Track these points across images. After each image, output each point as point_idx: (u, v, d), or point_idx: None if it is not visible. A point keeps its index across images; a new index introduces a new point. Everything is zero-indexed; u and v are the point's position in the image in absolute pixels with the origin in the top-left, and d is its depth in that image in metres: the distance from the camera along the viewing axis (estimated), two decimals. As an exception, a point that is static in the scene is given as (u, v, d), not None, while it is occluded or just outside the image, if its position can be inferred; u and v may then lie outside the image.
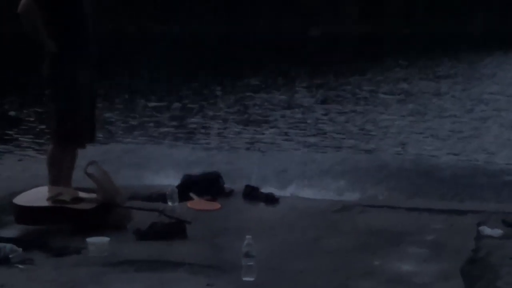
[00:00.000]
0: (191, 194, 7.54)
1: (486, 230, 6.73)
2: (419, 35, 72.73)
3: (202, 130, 18.80)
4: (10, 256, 5.74)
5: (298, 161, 13.29)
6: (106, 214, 6.53)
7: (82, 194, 6.73)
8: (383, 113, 22.35)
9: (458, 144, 18.08)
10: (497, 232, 6.70)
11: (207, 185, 7.78)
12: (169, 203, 7.19)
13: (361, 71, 36.60)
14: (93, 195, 6.67)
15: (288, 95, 26.07)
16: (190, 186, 7.71)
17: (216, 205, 7.42)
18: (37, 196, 6.77)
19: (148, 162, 14.05)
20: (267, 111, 22.16)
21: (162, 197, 7.38)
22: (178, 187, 7.56)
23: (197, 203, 7.39)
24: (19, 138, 17.05)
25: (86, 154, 7.53)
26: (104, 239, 5.95)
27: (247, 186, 8.04)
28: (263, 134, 17.97)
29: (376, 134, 18.93)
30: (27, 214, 6.55)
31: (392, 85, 30.60)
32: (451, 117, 22.29)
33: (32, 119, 18.90)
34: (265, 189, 8.23)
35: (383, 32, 76.84)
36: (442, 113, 22.96)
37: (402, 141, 18.13)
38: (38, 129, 17.23)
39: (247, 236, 5.42)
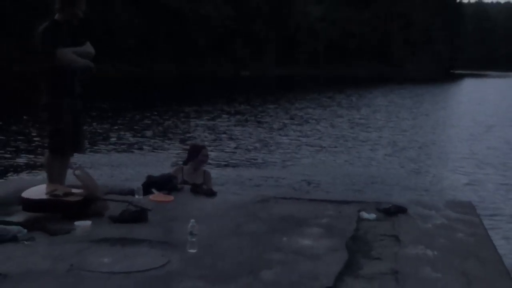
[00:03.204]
0: (153, 190, 7.49)
1: (365, 215, 6.78)
2: (319, 77, 73.75)
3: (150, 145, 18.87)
4: (18, 235, 5.67)
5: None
6: (89, 205, 6.47)
7: (71, 190, 6.66)
8: (281, 134, 22.48)
9: (339, 155, 18.31)
10: (372, 216, 6.77)
11: (164, 183, 7.74)
12: (136, 196, 7.14)
13: (271, 102, 36.86)
14: (80, 191, 6.61)
15: (213, 120, 26.14)
16: (151, 184, 7.65)
17: (170, 198, 7.36)
18: (39, 191, 6.70)
19: (119, 166, 14.16)
20: (196, 132, 22.23)
21: (131, 192, 7.33)
22: (142, 184, 7.50)
23: (156, 196, 7.34)
24: (27, 149, 16.90)
25: (75, 160, 7.45)
26: (88, 223, 5.89)
27: (193, 184, 8.02)
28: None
29: (278, 149, 19.00)
30: (31, 204, 6.47)
31: (293, 113, 30.84)
32: (335, 136, 22.58)
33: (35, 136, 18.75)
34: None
35: (293, 74, 77.68)
36: (326, 133, 23.23)
37: (298, 154, 18.22)
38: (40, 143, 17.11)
39: (191, 220, 5.41)
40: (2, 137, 18.83)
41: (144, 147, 18.48)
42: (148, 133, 21.59)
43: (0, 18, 42.82)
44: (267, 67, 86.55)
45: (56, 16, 6.82)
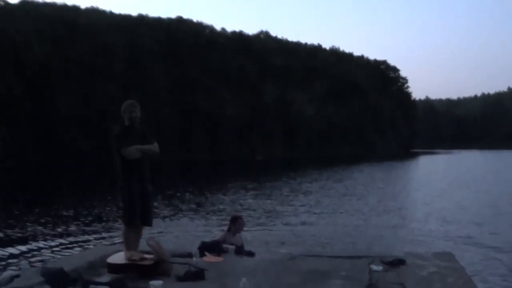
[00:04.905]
0: (206, 253, 7.16)
1: (374, 267, 6.45)
2: (313, 157, 73.67)
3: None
4: (105, 294, 5.38)
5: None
6: (159, 267, 6.16)
7: (145, 255, 6.36)
8: (286, 205, 21.66)
9: (333, 218, 17.61)
10: (380, 268, 6.45)
11: (214, 247, 7.41)
12: (194, 259, 6.79)
13: (276, 179, 36.27)
14: (151, 256, 6.30)
15: (233, 195, 25.50)
16: (204, 248, 7.33)
17: (220, 259, 7.05)
18: (119, 257, 6.46)
19: (180, 234, 13.74)
20: (220, 205, 21.46)
21: (189, 255, 6.99)
22: (198, 248, 7.18)
23: (209, 258, 7.02)
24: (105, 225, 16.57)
25: (147, 231, 7.15)
26: (159, 282, 5.56)
27: (237, 247, 7.68)
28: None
29: (285, 217, 18.15)
30: (115, 268, 6.20)
31: (293, 187, 30.19)
32: (327, 204, 21.97)
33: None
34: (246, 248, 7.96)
35: (294, 156, 77.75)
36: (320, 202, 22.47)
37: (301, 220, 17.38)
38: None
39: (243, 278, 5.09)
40: (86, 212, 18.53)
41: (182, 218, 17.80)
42: (185, 205, 21.07)
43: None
44: (274, 150, 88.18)
45: (125, 121, 6.73)
